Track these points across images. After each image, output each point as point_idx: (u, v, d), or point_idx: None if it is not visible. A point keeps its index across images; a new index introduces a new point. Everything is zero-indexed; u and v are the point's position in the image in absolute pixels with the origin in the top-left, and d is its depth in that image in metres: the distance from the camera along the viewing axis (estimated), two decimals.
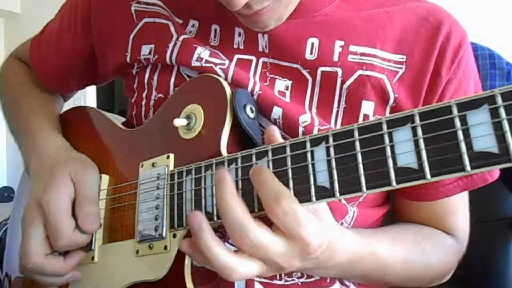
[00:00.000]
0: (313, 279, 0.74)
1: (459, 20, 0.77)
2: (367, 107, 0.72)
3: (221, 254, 0.54)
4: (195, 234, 0.55)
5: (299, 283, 0.73)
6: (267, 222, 0.55)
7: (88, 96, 2.96)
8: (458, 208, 0.80)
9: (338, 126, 0.72)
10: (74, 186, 0.74)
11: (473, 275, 1.04)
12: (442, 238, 0.79)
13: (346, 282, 0.78)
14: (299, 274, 0.74)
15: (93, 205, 0.74)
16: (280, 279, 0.73)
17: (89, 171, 0.77)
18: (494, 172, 0.77)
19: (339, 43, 0.73)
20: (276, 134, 0.59)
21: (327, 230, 0.57)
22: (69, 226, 0.70)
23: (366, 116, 0.71)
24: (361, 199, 0.75)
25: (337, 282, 0.76)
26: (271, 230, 0.55)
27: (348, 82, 0.72)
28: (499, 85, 1.22)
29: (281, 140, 0.58)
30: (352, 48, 0.73)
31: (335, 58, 0.72)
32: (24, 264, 0.71)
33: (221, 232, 0.72)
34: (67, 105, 1.05)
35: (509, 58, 1.23)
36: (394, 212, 0.84)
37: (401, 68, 0.72)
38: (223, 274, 0.55)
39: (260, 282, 0.72)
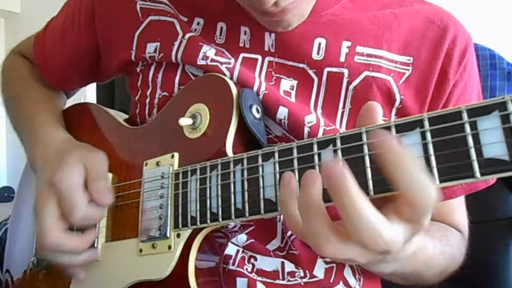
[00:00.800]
0: (316, 278, 0.74)
1: (460, 20, 0.77)
2: None
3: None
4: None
5: (302, 283, 0.73)
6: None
7: (88, 95, 2.95)
8: (459, 206, 0.81)
9: (344, 127, 0.72)
10: (84, 167, 0.73)
11: (473, 275, 1.04)
12: (455, 232, 0.79)
13: (350, 283, 0.78)
14: (302, 274, 0.74)
15: (104, 181, 0.74)
16: (283, 279, 0.73)
17: (97, 154, 0.77)
18: None
19: (346, 44, 0.73)
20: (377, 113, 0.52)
21: None
22: (83, 199, 0.70)
23: None
24: None
25: (341, 282, 0.76)
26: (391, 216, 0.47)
27: (354, 83, 0.72)
28: (499, 85, 1.23)
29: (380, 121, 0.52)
30: (359, 49, 0.73)
31: (342, 59, 0.72)
32: (42, 243, 0.70)
33: (224, 233, 0.72)
34: (68, 104, 1.05)
35: (509, 58, 1.23)
36: None
37: (408, 69, 0.72)
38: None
39: (262, 282, 0.72)
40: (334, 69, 0.72)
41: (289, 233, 0.74)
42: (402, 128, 0.47)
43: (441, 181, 0.44)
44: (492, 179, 0.75)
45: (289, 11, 0.66)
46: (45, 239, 0.70)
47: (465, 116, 0.44)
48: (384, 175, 0.46)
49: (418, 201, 0.44)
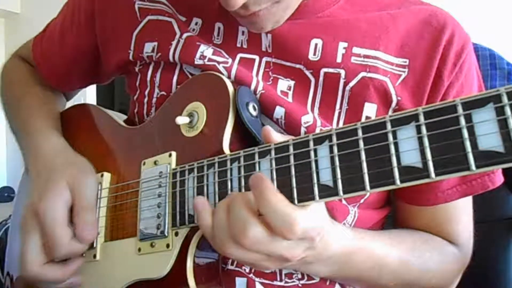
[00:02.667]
0: (314, 281, 0.74)
1: (460, 21, 0.77)
2: (370, 109, 0.72)
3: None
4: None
5: (300, 285, 0.73)
6: None
7: (88, 96, 2.96)
8: (459, 217, 0.79)
9: None
10: (71, 193, 0.73)
11: (473, 275, 1.04)
12: (442, 245, 0.78)
13: (347, 286, 0.77)
14: (299, 276, 0.73)
15: (90, 213, 0.73)
16: (281, 280, 0.73)
17: (87, 176, 0.76)
18: (495, 179, 0.76)
19: (342, 45, 0.73)
20: (272, 135, 0.59)
21: (319, 218, 0.56)
22: (66, 235, 0.70)
23: (368, 118, 0.71)
24: (362, 200, 0.74)
25: (338, 285, 0.76)
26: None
27: (351, 84, 0.72)
28: (499, 85, 1.22)
29: (279, 139, 0.58)
30: (356, 50, 0.73)
31: (339, 60, 0.72)
32: (23, 273, 0.71)
33: None
34: (67, 105, 1.05)
35: (509, 58, 1.23)
36: (395, 219, 0.83)
37: (404, 71, 0.72)
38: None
39: (261, 283, 0.72)
40: (331, 70, 0.72)
41: None
42: (397, 122, 0.48)
43: (436, 174, 0.44)
44: (492, 184, 0.75)
45: (259, 16, 0.67)
46: (26, 271, 0.71)
47: (460, 109, 0.44)
48: None
49: (291, 237, 0.53)
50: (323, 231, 0.57)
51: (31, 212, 0.72)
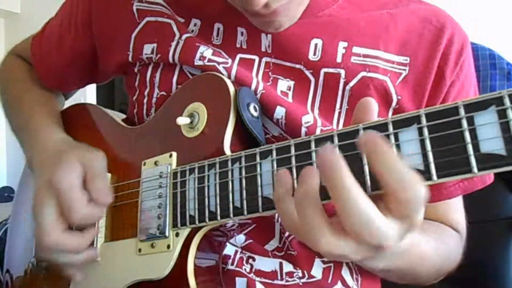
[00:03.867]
0: (314, 279, 0.74)
1: (459, 21, 0.77)
2: None
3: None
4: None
5: (301, 283, 0.73)
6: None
7: (88, 95, 2.95)
8: (456, 206, 0.81)
9: (341, 127, 0.72)
10: (82, 167, 0.73)
11: (473, 275, 1.04)
12: (451, 231, 0.79)
13: (349, 283, 0.77)
14: (300, 274, 0.74)
15: (103, 180, 0.73)
16: (282, 279, 0.73)
17: (95, 153, 0.76)
18: (491, 174, 0.77)
19: (342, 44, 0.73)
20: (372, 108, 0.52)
21: None
22: (82, 198, 0.70)
23: None
24: None
25: (339, 282, 0.76)
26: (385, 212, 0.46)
27: (351, 83, 0.72)
28: (499, 85, 1.23)
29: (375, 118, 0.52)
30: (356, 49, 0.73)
31: (339, 59, 0.72)
32: (42, 243, 0.69)
33: (222, 232, 0.72)
34: (67, 103, 1.05)
35: (509, 58, 1.23)
36: None
37: (405, 69, 0.72)
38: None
39: (261, 282, 0.72)
40: (331, 70, 0.72)
41: (287, 233, 0.74)
42: (399, 124, 0.47)
43: (438, 177, 0.44)
44: (489, 179, 0.76)
45: (279, 13, 0.67)
46: (45, 239, 0.69)
47: (462, 111, 0.44)
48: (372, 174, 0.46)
49: (406, 198, 0.44)
50: None
51: (44, 184, 0.71)
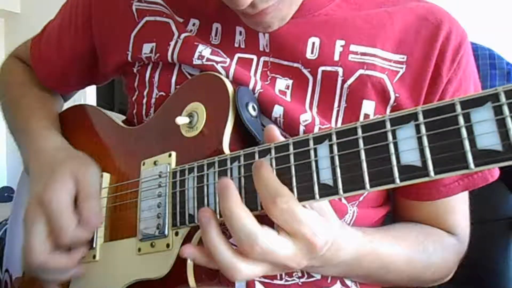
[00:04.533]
0: (313, 278, 0.74)
1: (459, 20, 0.77)
2: (368, 107, 0.72)
3: (227, 254, 0.54)
4: (203, 229, 0.56)
5: (300, 283, 0.73)
6: (269, 220, 0.55)
7: (88, 96, 2.95)
8: (458, 207, 0.80)
9: (339, 125, 0.72)
10: (75, 184, 0.73)
11: (473, 275, 1.04)
12: (443, 237, 0.79)
13: (347, 282, 0.77)
14: (299, 274, 0.73)
15: (95, 200, 0.73)
16: (281, 279, 0.73)
17: (90, 168, 0.76)
18: (494, 172, 0.77)
19: (340, 43, 0.73)
20: (276, 133, 0.59)
21: (331, 227, 0.57)
22: (71, 221, 0.70)
23: (366, 116, 0.72)
24: (361, 198, 0.75)
25: (338, 282, 0.76)
26: (276, 231, 0.54)
27: (349, 81, 0.72)
28: (499, 85, 1.22)
29: (281, 138, 0.58)
30: (353, 47, 0.73)
31: (336, 58, 0.73)
32: (28, 262, 0.70)
33: (222, 231, 0.72)
34: (67, 105, 1.05)
35: (509, 58, 1.23)
36: (395, 212, 0.84)
37: (402, 67, 0.73)
38: (227, 274, 0.54)
39: (261, 282, 0.72)
40: (329, 68, 0.73)
41: None
42: (396, 121, 0.48)
43: (435, 173, 0.45)
44: (491, 177, 0.76)
45: (267, 14, 0.67)
46: (32, 260, 0.70)
47: (458, 108, 0.44)
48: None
49: (274, 210, 0.53)
50: (330, 242, 0.57)
51: (36, 202, 0.72)
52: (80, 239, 0.72)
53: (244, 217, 0.53)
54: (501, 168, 0.78)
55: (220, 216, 0.60)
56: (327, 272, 0.69)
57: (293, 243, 0.53)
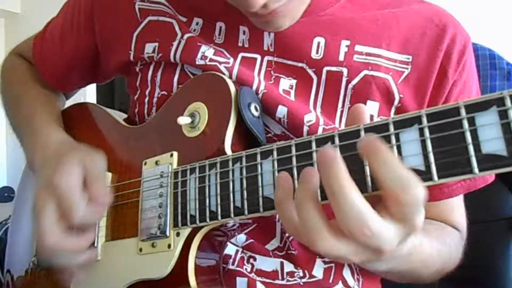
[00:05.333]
0: (315, 278, 0.74)
1: (459, 20, 0.77)
2: (372, 107, 0.72)
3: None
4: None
5: (301, 283, 0.73)
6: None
7: (88, 95, 2.95)
8: (458, 205, 0.81)
9: (343, 125, 0.72)
10: (82, 168, 0.72)
11: (473, 275, 1.04)
12: (453, 231, 0.79)
13: (349, 283, 0.78)
14: (301, 274, 0.74)
15: (103, 181, 0.73)
16: (282, 279, 0.73)
17: (95, 155, 0.76)
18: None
19: (345, 43, 0.73)
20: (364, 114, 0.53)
21: None
22: (82, 199, 0.70)
23: (371, 117, 0.71)
24: None
25: (340, 282, 0.76)
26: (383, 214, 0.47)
27: (354, 82, 0.72)
28: (499, 85, 1.23)
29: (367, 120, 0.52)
30: (358, 48, 0.73)
31: (341, 58, 0.72)
32: (42, 244, 0.69)
33: (223, 231, 0.72)
34: (67, 104, 1.05)
35: (509, 58, 1.23)
36: None
37: (407, 68, 0.73)
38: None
39: (262, 282, 0.72)
40: (333, 68, 0.72)
41: None
42: (400, 125, 0.47)
43: (439, 177, 0.44)
44: (491, 177, 0.76)
45: (278, 14, 0.67)
46: (45, 240, 0.69)
47: (463, 112, 0.44)
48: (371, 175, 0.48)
49: (405, 200, 0.44)
50: None
51: (45, 185, 0.71)
52: (91, 217, 0.71)
53: (356, 196, 0.45)
54: None
55: (222, 217, 0.60)
56: (380, 266, 0.58)
57: (397, 228, 0.47)
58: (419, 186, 0.44)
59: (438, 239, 0.71)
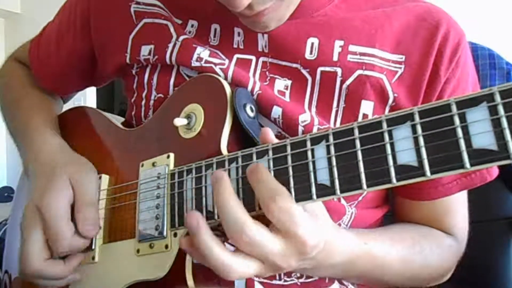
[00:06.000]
0: (312, 279, 0.74)
1: (459, 20, 0.77)
2: (367, 107, 0.72)
3: (218, 253, 0.54)
4: (193, 233, 0.55)
5: (299, 283, 0.73)
6: (266, 222, 0.54)
7: (88, 97, 2.96)
8: (456, 208, 0.81)
9: (338, 125, 0.72)
10: (72, 190, 0.73)
11: (473, 275, 1.04)
12: (440, 238, 0.79)
13: (345, 282, 0.78)
14: (298, 274, 0.74)
15: (92, 209, 0.73)
16: (280, 279, 0.73)
17: (88, 174, 0.76)
18: (492, 171, 0.77)
19: (338, 43, 0.73)
20: (271, 136, 0.59)
21: (323, 230, 0.56)
22: (68, 230, 0.70)
23: (365, 116, 0.72)
24: (360, 198, 0.75)
25: (336, 282, 0.76)
26: (269, 229, 0.54)
27: (348, 82, 0.72)
28: (499, 85, 1.22)
29: (276, 141, 0.58)
30: (352, 48, 0.73)
31: (335, 58, 0.73)
32: (24, 269, 0.71)
33: (221, 231, 0.72)
34: (67, 106, 1.05)
35: (509, 58, 1.23)
36: (394, 212, 0.84)
37: (400, 67, 0.73)
38: (221, 273, 0.55)
39: (260, 282, 0.72)
40: (327, 69, 0.73)
41: None
42: (393, 122, 0.48)
43: (432, 173, 0.45)
44: (490, 176, 0.76)
45: (264, 15, 0.67)
46: (27, 267, 0.70)
47: (454, 108, 0.44)
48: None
49: (272, 209, 0.53)
50: (322, 244, 0.56)
51: (33, 209, 0.72)
52: (77, 247, 0.72)
53: (235, 206, 0.54)
54: (500, 168, 0.78)
55: (219, 217, 0.60)
56: (320, 274, 0.69)
57: (283, 241, 0.53)
58: (286, 197, 0.53)
59: (408, 248, 0.73)
